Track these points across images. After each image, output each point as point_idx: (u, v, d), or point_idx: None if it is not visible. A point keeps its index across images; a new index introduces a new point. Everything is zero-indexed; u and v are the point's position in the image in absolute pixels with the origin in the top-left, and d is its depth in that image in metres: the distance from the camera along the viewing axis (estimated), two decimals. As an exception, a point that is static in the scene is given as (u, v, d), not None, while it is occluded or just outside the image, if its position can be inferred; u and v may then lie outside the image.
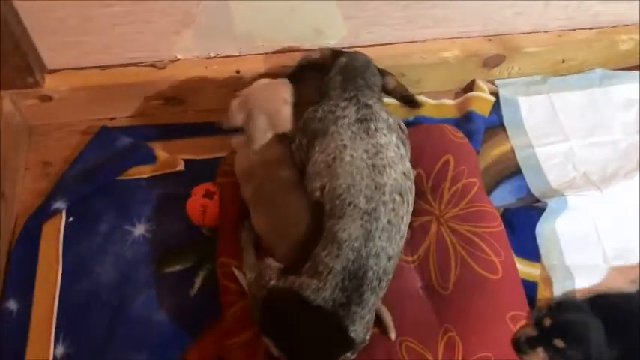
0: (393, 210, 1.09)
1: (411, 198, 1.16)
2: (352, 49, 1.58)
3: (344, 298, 1.04)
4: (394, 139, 1.19)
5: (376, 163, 1.12)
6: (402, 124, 1.28)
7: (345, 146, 1.15)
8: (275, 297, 1.09)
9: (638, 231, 1.46)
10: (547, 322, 1.21)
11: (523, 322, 1.24)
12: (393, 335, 1.19)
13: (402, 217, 1.11)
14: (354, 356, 1.10)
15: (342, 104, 1.23)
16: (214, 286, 1.32)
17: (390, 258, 1.08)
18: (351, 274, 1.04)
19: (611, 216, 1.49)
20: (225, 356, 1.22)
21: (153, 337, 1.32)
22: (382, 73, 1.41)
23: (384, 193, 1.09)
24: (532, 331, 1.22)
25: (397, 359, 1.17)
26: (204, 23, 1.50)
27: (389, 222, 1.08)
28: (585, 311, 1.25)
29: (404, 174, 1.14)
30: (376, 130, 1.17)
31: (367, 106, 1.21)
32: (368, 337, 1.11)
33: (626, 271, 1.43)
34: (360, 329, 1.06)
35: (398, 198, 1.10)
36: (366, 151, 1.13)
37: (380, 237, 1.06)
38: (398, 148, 1.18)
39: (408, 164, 1.20)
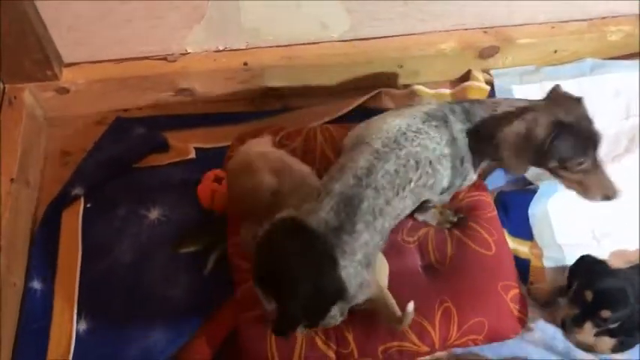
0: (404, 166, 1.12)
1: (425, 181, 1.16)
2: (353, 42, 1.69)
3: (337, 222, 1.05)
4: (443, 145, 1.18)
5: (408, 135, 1.15)
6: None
7: (397, 115, 1.21)
8: (274, 224, 1.08)
9: (624, 211, 1.54)
10: (589, 295, 1.24)
11: (513, 291, 1.33)
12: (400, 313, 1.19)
13: (410, 181, 1.13)
14: (343, 315, 1.12)
15: None
16: (227, 265, 1.40)
17: (387, 202, 1.10)
18: (347, 199, 1.07)
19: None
20: (240, 329, 1.30)
21: (168, 313, 1.40)
22: None
23: (400, 149, 1.13)
24: (574, 309, 1.26)
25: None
26: (214, 18, 1.58)
27: (396, 171, 1.11)
28: (616, 274, 1.27)
29: (430, 162, 1.16)
30: (444, 126, 1.19)
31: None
32: (361, 298, 1.10)
33: (625, 255, 1.50)
34: (350, 269, 1.05)
35: (413, 162, 1.13)
36: (409, 125, 1.17)
37: (383, 176, 1.10)
38: (442, 155, 1.18)
39: (442, 165, 1.19)
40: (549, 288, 1.42)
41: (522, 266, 1.46)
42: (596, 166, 1.19)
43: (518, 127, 1.16)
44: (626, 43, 1.84)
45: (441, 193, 1.27)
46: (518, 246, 1.50)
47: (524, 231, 1.53)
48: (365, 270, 1.08)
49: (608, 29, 1.81)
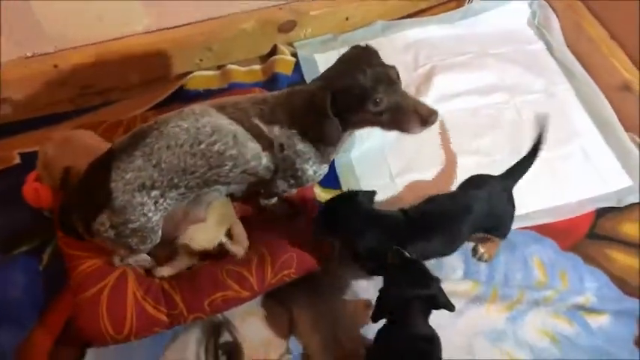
0: (197, 129, 1.22)
1: (222, 149, 1.23)
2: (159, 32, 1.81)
3: (125, 145, 1.23)
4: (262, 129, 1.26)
5: (227, 109, 1.25)
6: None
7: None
8: None
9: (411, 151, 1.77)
10: None
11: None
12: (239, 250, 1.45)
13: (200, 143, 1.22)
14: (114, 229, 1.24)
15: None
16: (61, 258, 1.48)
17: (168, 147, 1.21)
18: (141, 131, 1.24)
19: (394, 140, 1.79)
20: (75, 310, 1.39)
21: (10, 313, 1.48)
22: None
23: (203, 117, 1.23)
24: None
25: (219, 280, 1.41)
26: (13, 29, 1.63)
27: (187, 129, 1.21)
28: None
29: (235, 136, 1.24)
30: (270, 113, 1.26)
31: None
32: (131, 217, 1.23)
33: (416, 189, 1.73)
34: (120, 184, 1.20)
35: (209, 129, 1.22)
36: (237, 103, 1.27)
37: (173, 127, 1.22)
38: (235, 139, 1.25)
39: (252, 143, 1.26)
40: None
41: (333, 211, 1.66)
42: (400, 98, 1.21)
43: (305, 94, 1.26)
44: (405, 4, 2.08)
45: (276, 174, 1.32)
46: (328, 195, 1.70)
47: (332, 181, 1.73)
48: (138, 193, 1.22)
49: (389, -8, 2.03)
